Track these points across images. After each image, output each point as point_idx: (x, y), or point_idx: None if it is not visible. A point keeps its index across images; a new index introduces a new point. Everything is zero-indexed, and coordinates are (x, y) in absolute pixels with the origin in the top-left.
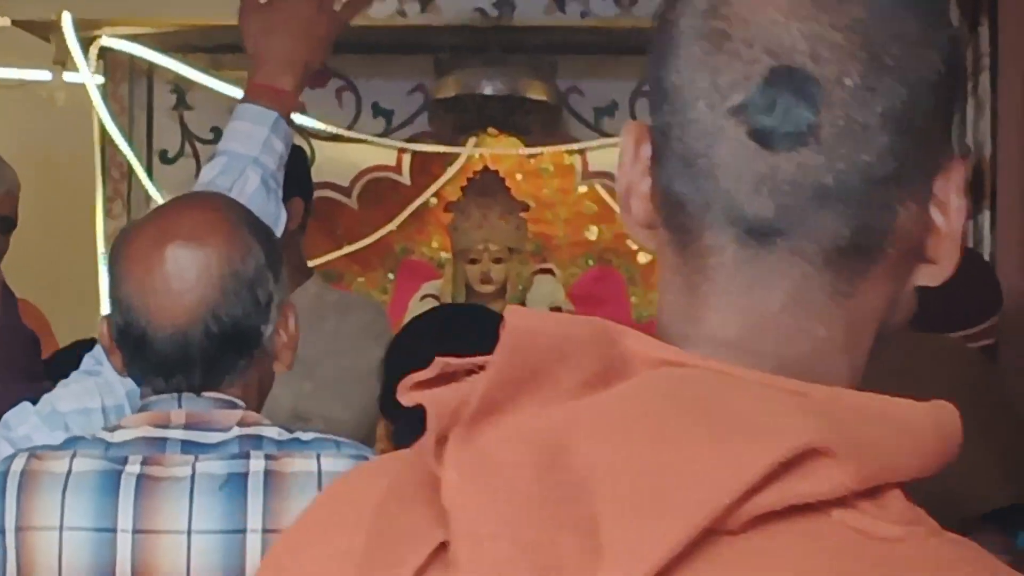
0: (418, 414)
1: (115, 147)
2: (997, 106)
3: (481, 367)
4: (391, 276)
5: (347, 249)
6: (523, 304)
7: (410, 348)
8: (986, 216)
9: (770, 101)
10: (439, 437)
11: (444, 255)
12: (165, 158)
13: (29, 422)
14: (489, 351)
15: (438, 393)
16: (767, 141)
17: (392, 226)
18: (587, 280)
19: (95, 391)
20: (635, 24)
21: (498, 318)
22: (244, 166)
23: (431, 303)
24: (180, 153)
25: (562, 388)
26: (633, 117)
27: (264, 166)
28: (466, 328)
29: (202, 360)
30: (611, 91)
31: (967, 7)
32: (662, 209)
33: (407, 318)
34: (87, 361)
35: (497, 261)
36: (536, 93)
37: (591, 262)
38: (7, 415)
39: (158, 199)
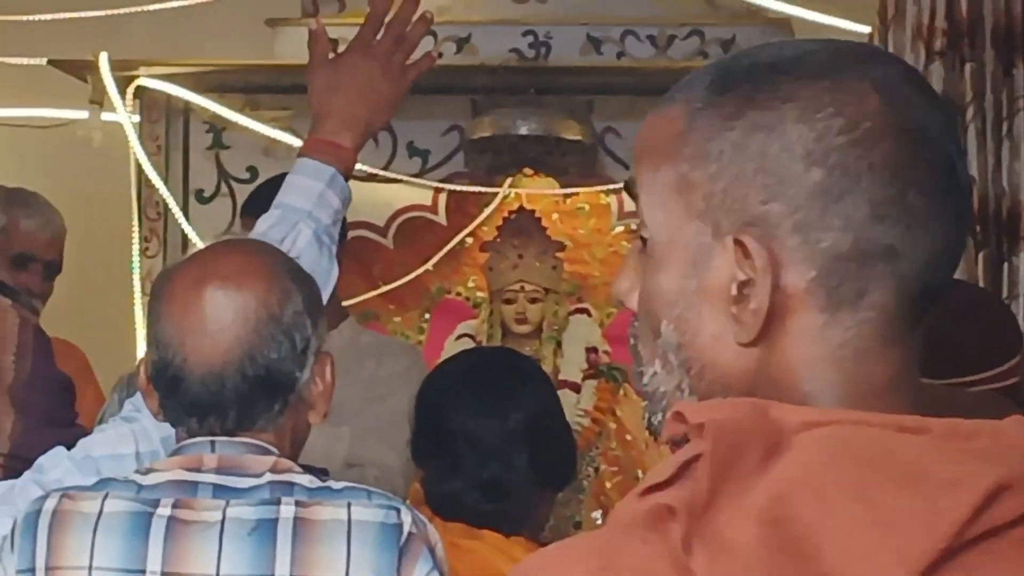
0: (449, 461)
1: (151, 187)
2: None
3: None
4: (427, 316)
5: (383, 289)
6: (559, 344)
7: (440, 393)
8: (1021, 258)
9: None
10: (685, 533)
11: (480, 295)
12: (201, 197)
13: (62, 466)
14: (517, 394)
15: (674, 494)
16: None
17: (428, 266)
18: (623, 320)
19: (130, 437)
20: (670, 65)
21: (526, 360)
22: (297, 219)
23: (467, 343)
24: (216, 193)
25: (752, 465)
26: None
27: (318, 220)
28: (496, 371)
29: (236, 402)
30: None
31: (1002, 49)
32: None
33: (443, 358)
34: (127, 407)
35: (533, 301)
36: (572, 133)
37: None
38: (41, 459)
39: (194, 239)
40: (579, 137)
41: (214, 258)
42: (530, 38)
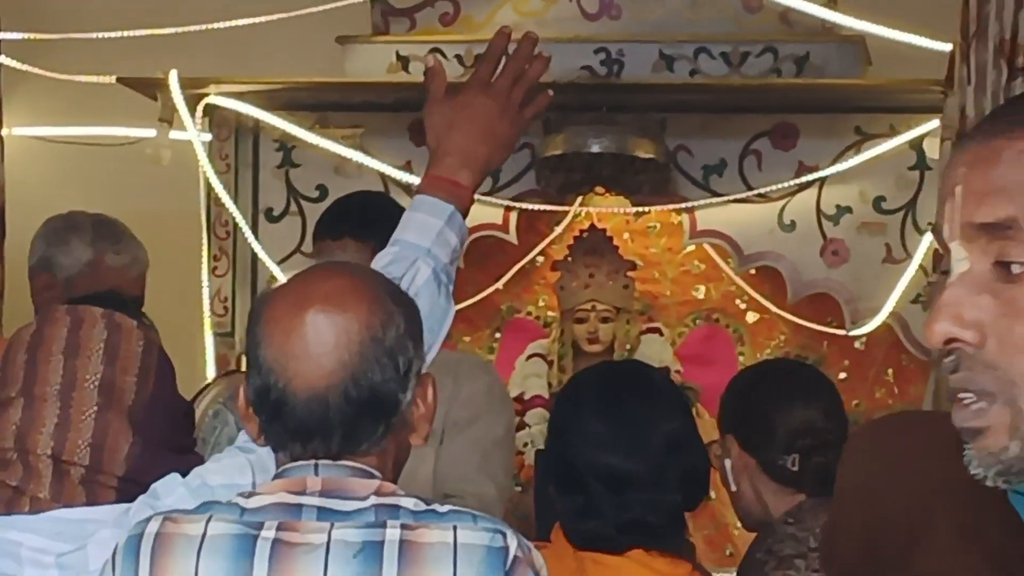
0: (584, 500)
1: (220, 205)
2: None
3: None
4: (497, 335)
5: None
6: None
7: (570, 424)
8: None
9: None
10: None
11: (551, 314)
12: (270, 216)
13: (176, 493)
14: (652, 422)
15: None
16: None
17: (498, 285)
18: (695, 339)
19: (247, 467)
20: (743, 83)
21: (656, 378)
22: (416, 257)
23: (538, 363)
24: (285, 211)
25: None
26: (742, 175)
27: (436, 258)
28: (629, 397)
29: (340, 426)
30: (720, 150)
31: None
32: None
33: (514, 378)
34: (242, 436)
35: (604, 320)
36: (644, 151)
37: (699, 321)
38: (155, 485)
39: (264, 257)
40: (652, 155)
41: (315, 280)
42: (602, 55)
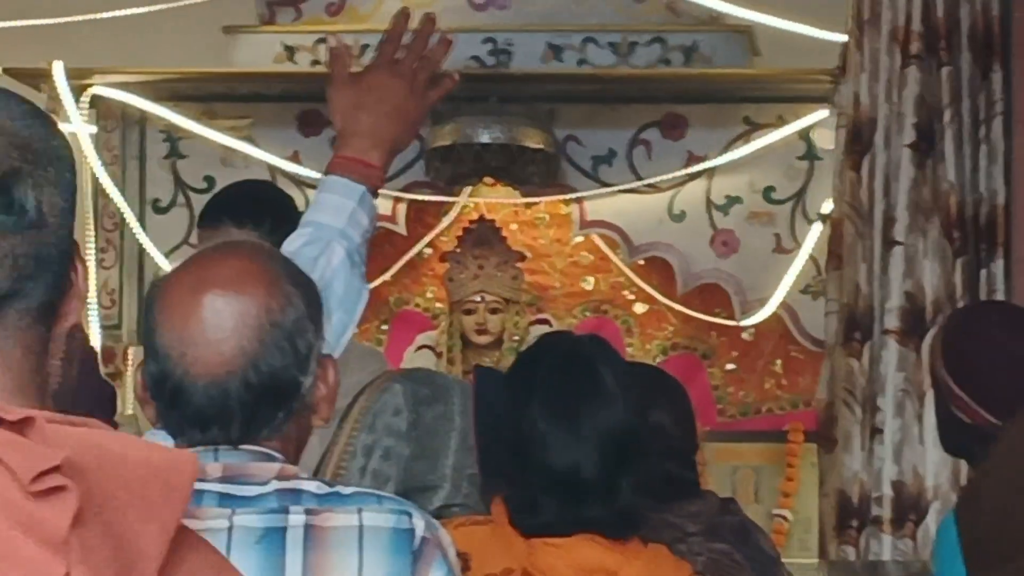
0: (533, 493)
1: (107, 197)
2: (1010, 153)
3: None
4: (385, 327)
5: None
6: None
7: (520, 413)
8: (999, 264)
9: None
10: None
11: (439, 306)
12: (158, 207)
13: None
14: (600, 407)
15: None
16: None
17: (386, 276)
18: (583, 330)
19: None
20: (632, 73)
21: (609, 359)
22: (330, 238)
23: (427, 355)
24: (173, 203)
25: None
26: (631, 166)
27: (350, 239)
28: (578, 385)
29: (240, 412)
30: (609, 140)
31: (979, 53)
32: None
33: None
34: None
35: (493, 312)
36: (533, 142)
37: (587, 313)
38: None
39: (151, 249)
40: (541, 145)
41: (212, 263)
42: (490, 45)
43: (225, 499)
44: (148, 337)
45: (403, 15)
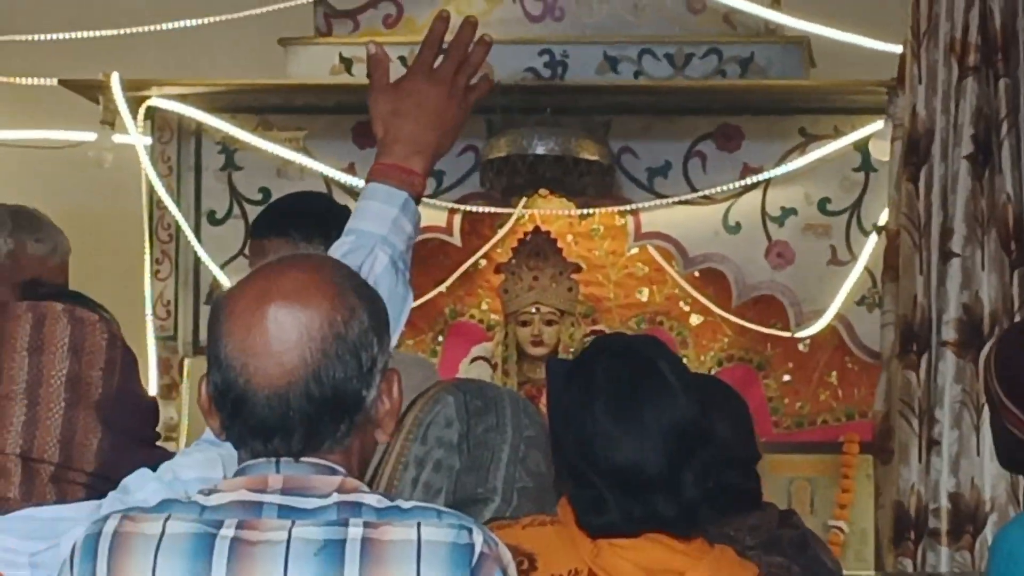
0: (595, 493)
1: (163, 208)
2: None
3: None
4: (440, 338)
5: None
6: None
7: (577, 416)
8: None
9: None
10: None
11: (494, 317)
12: (213, 219)
13: (148, 488)
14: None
15: None
16: None
17: (442, 288)
18: None
19: (218, 461)
20: (688, 84)
21: (667, 357)
22: (373, 245)
23: (482, 366)
24: (228, 214)
25: None
26: (686, 177)
27: (393, 246)
28: (645, 384)
29: (301, 424)
30: (664, 151)
31: None
32: None
33: None
34: (210, 431)
35: (548, 323)
36: (588, 153)
37: (642, 324)
38: (126, 480)
39: (206, 260)
40: (596, 157)
41: (276, 275)
42: (546, 57)
43: (285, 511)
44: (212, 348)
45: (441, 19)
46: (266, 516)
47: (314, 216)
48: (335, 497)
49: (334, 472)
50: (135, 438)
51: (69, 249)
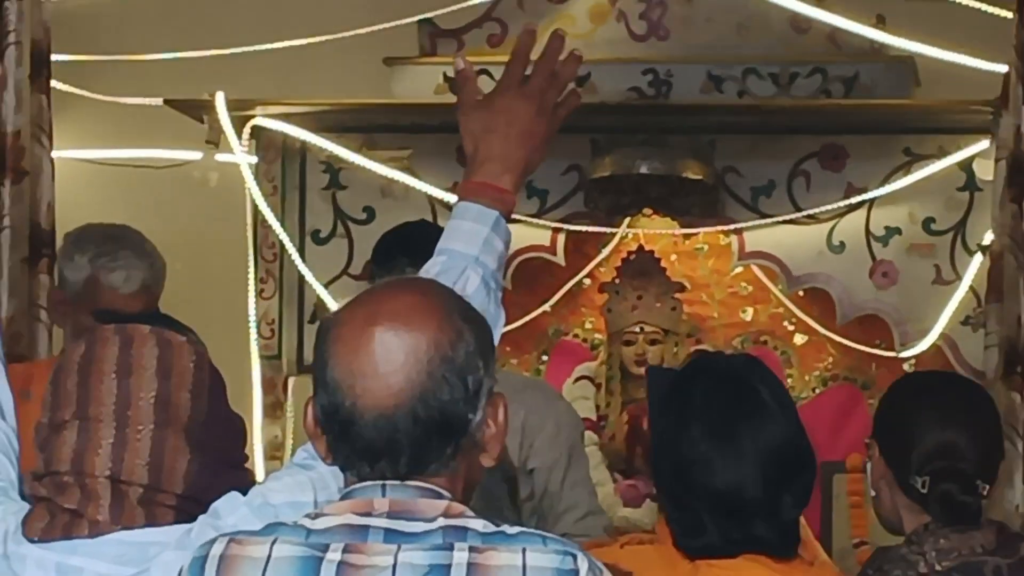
0: (694, 516)
1: (267, 227)
2: None
3: None
4: (544, 358)
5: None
6: None
7: (677, 437)
8: None
9: None
10: None
11: (598, 336)
12: (318, 238)
13: (239, 512)
14: (760, 425)
15: None
16: None
17: (546, 307)
18: None
19: (308, 485)
20: (792, 104)
21: (764, 377)
22: (465, 265)
23: (586, 385)
24: (333, 233)
25: None
26: (791, 196)
27: (485, 266)
28: (731, 405)
29: (409, 446)
30: (769, 171)
31: None
32: None
33: None
34: (300, 454)
35: (652, 343)
36: (693, 173)
37: (747, 343)
38: (216, 504)
39: (311, 280)
40: (700, 177)
41: (383, 297)
42: (650, 76)
43: (391, 535)
44: (319, 370)
45: (529, 34)
46: (372, 540)
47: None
48: (441, 521)
49: (440, 496)
50: (224, 461)
51: (155, 274)
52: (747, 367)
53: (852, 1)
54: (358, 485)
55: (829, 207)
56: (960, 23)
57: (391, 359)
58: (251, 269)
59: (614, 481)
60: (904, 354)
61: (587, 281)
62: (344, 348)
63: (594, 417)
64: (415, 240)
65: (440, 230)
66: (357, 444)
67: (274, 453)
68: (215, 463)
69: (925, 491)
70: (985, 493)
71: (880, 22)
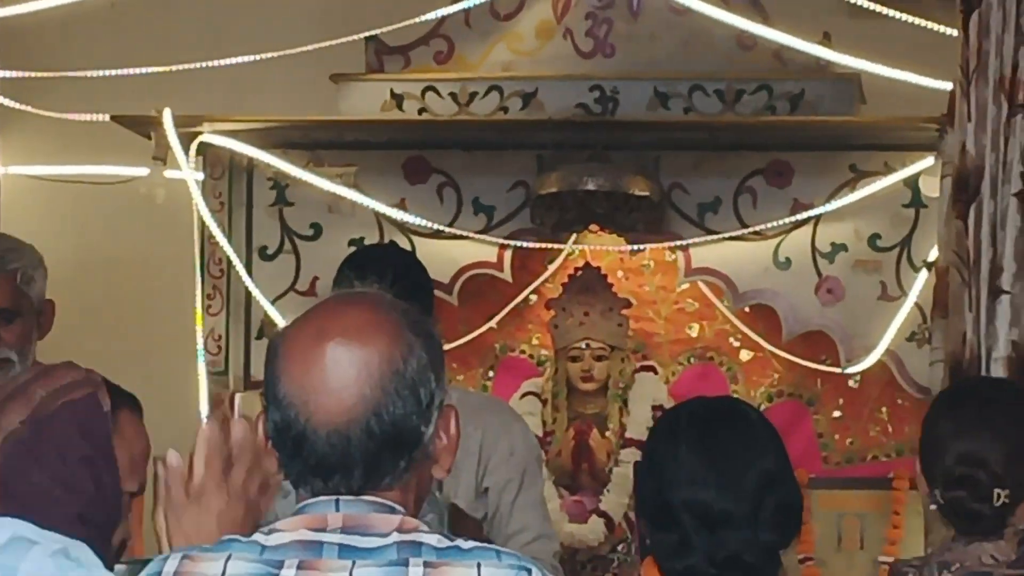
0: (679, 536)
1: (214, 243)
2: None
3: None
4: (491, 373)
5: (447, 347)
6: (625, 402)
7: (661, 459)
8: None
9: None
10: None
11: (544, 353)
12: (264, 254)
13: None
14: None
15: None
16: None
17: (492, 323)
18: (688, 378)
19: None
20: (738, 120)
21: (749, 411)
22: None
23: (532, 401)
24: (280, 249)
25: None
26: (736, 213)
27: None
28: (724, 428)
29: (363, 460)
30: (715, 187)
31: None
32: None
33: None
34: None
35: (599, 359)
36: (639, 189)
37: (692, 359)
38: None
39: (258, 296)
40: (646, 193)
41: (333, 312)
42: (596, 93)
43: (345, 550)
44: (270, 386)
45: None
46: (327, 556)
47: (388, 261)
48: (395, 536)
49: (393, 511)
50: None
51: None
52: (735, 400)
53: (798, 18)
54: (311, 500)
55: (775, 223)
56: (905, 40)
57: (343, 374)
58: (198, 285)
59: (560, 497)
60: (849, 370)
61: (533, 297)
62: (295, 364)
63: (541, 433)
64: (373, 261)
65: (400, 251)
66: (310, 460)
67: None
68: None
69: (943, 502)
70: (1007, 500)
71: (826, 39)
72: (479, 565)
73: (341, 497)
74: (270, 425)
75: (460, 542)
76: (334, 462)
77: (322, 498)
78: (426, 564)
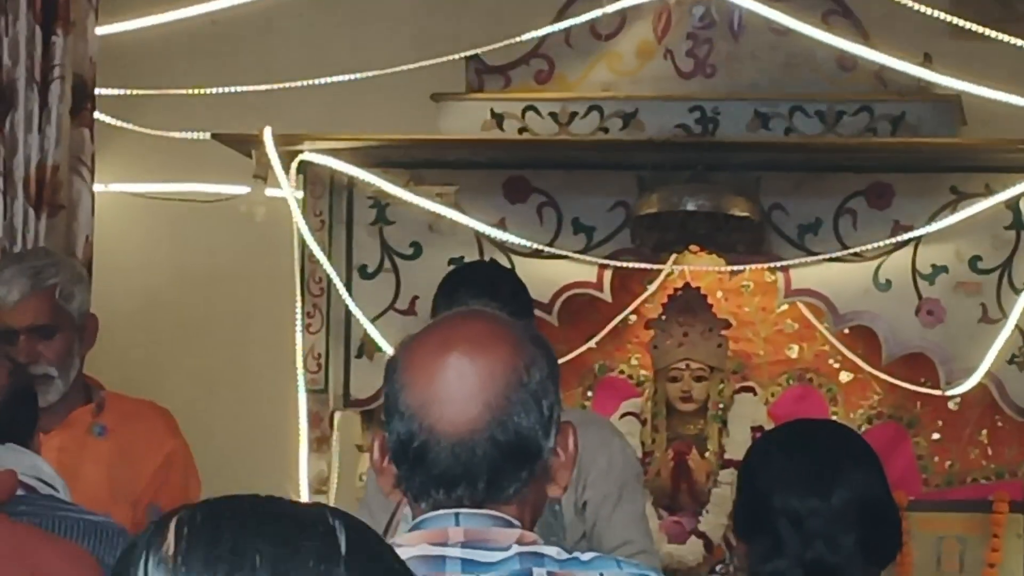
0: (772, 540)
1: (314, 262)
2: None
3: None
4: (589, 394)
5: None
6: (724, 423)
7: (763, 468)
8: None
9: None
10: None
11: (643, 373)
12: (364, 273)
13: None
14: (843, 471)
15: None
16: None
17: (591, 343)
18: (788, 399)
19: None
20: (839, 142)
21: (851, 435)
22: None
23: (631, 422)
24: (379, 268)
25: None
26: (837, 234)
27: None
28: (822, 447)
29: (487, 471)
30: (815, 208)
31: None
32: None
33: None
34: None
35: (698, 379)
36: (739, 210)
37: (792, 381)
38: None
39: (357, 314)
40: (747, 214)
41: (455, 324)
42: (697, 114)
43: (469, 565)
44: (392, 399)
45: None
46: (450, 570)
47: (497, 279)
48: (516, 548)
49: (511, 525)
50: None
51: (39, 285)
52: (836, 422)
53: (899, 39)
54: (430, 514)
55: (875, 245)
56: (1007, 61)
57: (467, 383)
58: (298, 303)
59: (659, 518)
60: (950, 392)
61: (633, 317)
62: (418, 375)
63: (640, 454)
64: (479, 277)
65: (502, 269)
66: (434, 471)
67: (320, 487)
68: None
69: None
70: None
71: (927, 60)
72: (600, 575)
73: (460, 511)
74: (391, 438)
75: (579, 554)
76: (458, 473)
77: (441, 511)
78: (549, 575)
